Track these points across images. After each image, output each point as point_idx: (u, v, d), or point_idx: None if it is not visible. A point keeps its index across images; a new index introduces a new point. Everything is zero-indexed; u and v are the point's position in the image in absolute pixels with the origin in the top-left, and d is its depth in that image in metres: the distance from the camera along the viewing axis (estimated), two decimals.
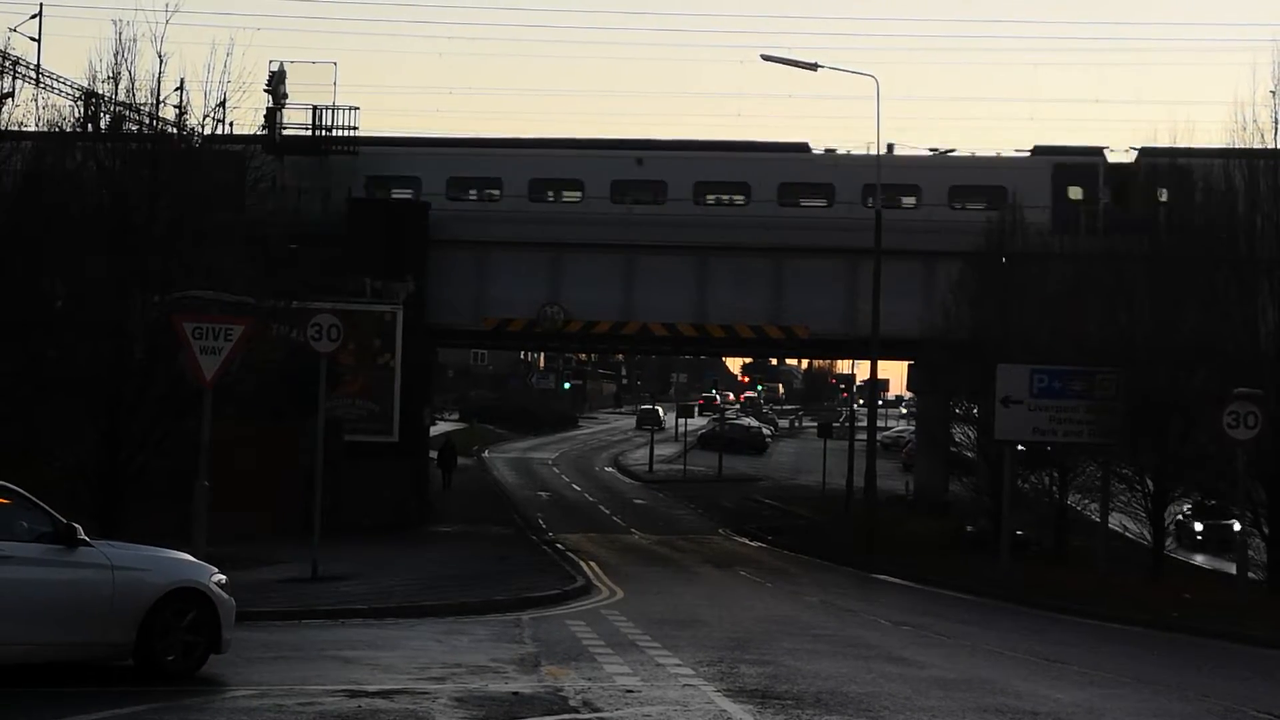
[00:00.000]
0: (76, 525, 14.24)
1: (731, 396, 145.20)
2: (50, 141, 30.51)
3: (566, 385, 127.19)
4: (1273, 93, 32.63)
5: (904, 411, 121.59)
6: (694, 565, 38.29)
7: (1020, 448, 37.71)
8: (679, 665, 17.09)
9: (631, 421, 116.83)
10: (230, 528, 29.33)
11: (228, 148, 32.19)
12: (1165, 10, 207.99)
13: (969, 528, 43.21)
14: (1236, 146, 34.08)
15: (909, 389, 66.87)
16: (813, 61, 42.33)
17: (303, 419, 33.34)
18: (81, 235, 27.56)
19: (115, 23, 35.55)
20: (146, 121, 29.62)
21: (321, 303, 33.44)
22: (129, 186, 28.14)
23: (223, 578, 15.30)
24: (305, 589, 24.15)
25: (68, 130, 30.87)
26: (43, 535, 14.05)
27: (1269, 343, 32.07)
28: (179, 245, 27.65)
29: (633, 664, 17.04)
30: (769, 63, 44.05)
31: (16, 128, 30.90)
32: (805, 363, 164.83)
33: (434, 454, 58.71)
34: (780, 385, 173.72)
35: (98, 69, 29.17)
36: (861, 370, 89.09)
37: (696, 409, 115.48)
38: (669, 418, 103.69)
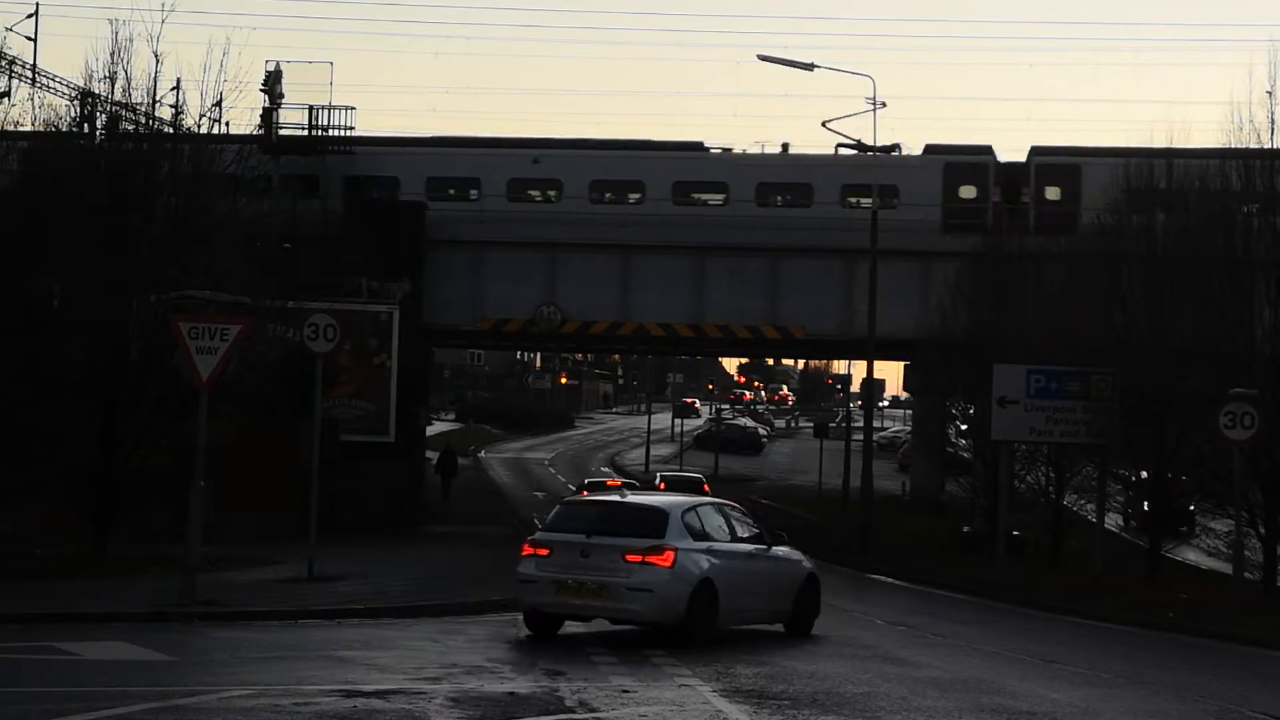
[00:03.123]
0: (782, 533, 21.42)
1: (748, 395, 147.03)
2: (47, 141, 30.44)
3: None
4: (1269, 93, 32.63)
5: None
6: None
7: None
8: (675, 665, 17.06)
9: (629, 422, 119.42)
10: (227, 528, 29.32)
11: (224, 147, 32.13)
12: (1162, 10, 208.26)
13: (965, 528, 43.19)
14: (1131, 146, 35.40)
15: (905, 389, 66.87)
16: (809, 61, 42.32)
17: (300, 419, 33.31)
18: (78, 235, 27.49)
19: (111, 22, 35.45)
20: (143, 121, 29.55)
21: (318, 303, 33.41)
22: (125, 186, 28.09)
23: (812, 564, 21.79)
24: (302, 589, 24.12)
25: (64, 130, 30.81)
26: (749, 539, 20.42)
27: (1265, 343, 32.02)
28: (175, 245, 27.61)
29: (629, 664, 17.03)
30: (765, 63, 44.10)
31: (13, 127, 30.84)
32: (801, 363, 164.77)
33: (431, 455, 58.59)
34: (784, 386, 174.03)
35: (94, 69, 29.10)
36: (858, 371, 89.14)
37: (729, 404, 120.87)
38: (702, 409, 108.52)
